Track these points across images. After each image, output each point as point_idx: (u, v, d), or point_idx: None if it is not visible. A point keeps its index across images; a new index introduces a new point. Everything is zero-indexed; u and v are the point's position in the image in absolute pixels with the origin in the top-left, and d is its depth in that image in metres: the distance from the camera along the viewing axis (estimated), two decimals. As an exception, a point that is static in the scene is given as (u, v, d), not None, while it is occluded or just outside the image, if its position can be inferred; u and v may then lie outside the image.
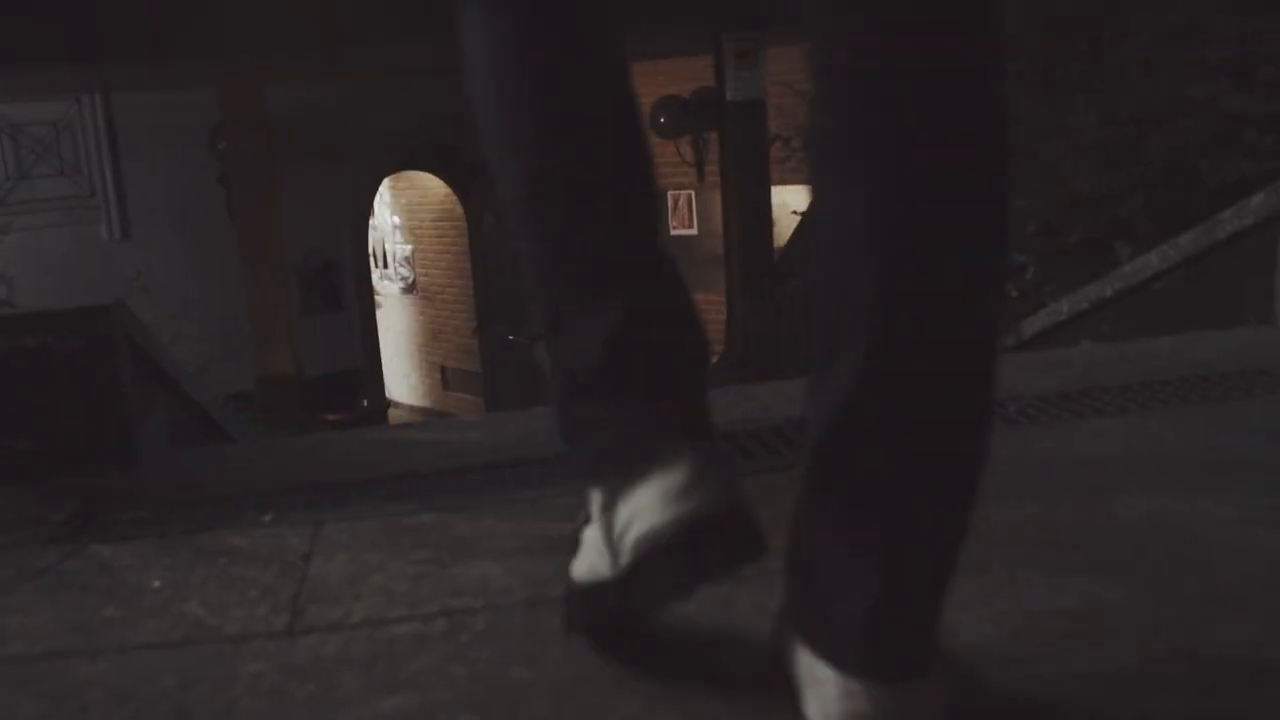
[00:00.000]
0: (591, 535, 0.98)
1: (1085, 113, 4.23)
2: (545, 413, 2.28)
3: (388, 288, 12.26)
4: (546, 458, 1.78)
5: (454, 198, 10.31)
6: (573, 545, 1.01)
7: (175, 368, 2.55)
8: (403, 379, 12.39)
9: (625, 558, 0.92)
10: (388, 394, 11.33)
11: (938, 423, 0.85)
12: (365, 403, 8.85)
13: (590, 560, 0.98)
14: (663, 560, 0.90)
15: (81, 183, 7.39)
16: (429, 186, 10.93)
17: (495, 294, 10.13)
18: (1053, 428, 1.91)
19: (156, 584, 1.25)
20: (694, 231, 9.47)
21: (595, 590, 0.97)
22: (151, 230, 7.62)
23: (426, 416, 12.01)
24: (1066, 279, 3.91)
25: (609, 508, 0.94)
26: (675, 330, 1.00)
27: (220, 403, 5.18)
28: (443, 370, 11.74)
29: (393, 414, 10.33)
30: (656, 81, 9.38)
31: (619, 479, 0.93)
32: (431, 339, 11.88)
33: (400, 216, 11.87)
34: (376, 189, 9.55)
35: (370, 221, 9.96)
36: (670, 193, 9.55)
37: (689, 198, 9.46)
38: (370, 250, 11.10)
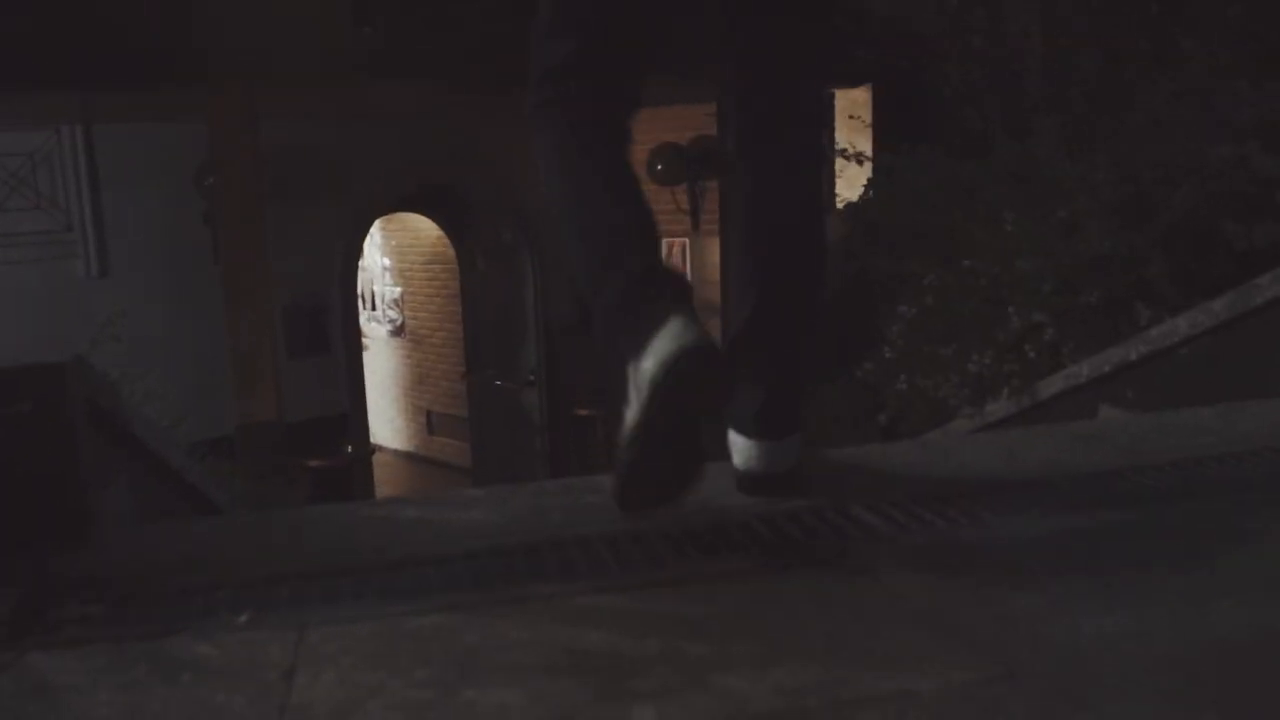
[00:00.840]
0: (630, 402, 1.44)
1: (1106, 169, 4.09)
2: (553, 488, 2.07)
3: (375, 330, 12.05)
4: (560, 541, 1.58)
5: (446, 240, 10.14)
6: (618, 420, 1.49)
7: (148, 428, 2.34)
8: (387, 422, 12.14)
9: (644, 392, 1.38)
10: (372, 438, 11.08)
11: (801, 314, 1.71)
12: (350, 448, 8.59)
13: (627, 419, 1.45)
14: (667, 376, 1.36)
15: (59, 217, 7.16)
16: (420, 228, 10.76)
17: (485, 338, 9.93)
18: (1117, 512, 1.73)
19: (105, 711, 1.03)
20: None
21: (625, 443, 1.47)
22: (131, 268, 7.39)
23: (411, 461, 11.76)
24: (1086, 340, 3.74)
25: (635, 369, 1.41)
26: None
27: (200, 453, 4.95)
28: (429, 415, 11.51)
29: (377, 458, 10.08)
30: (654, 128, 9.27)
31: (640, 351, 1.39)
32: (418, 382, 11.65)
33: (390, 258, 11.69)
34: (368, 229, 9.36)
35: (359, 262, 9.76)
36: (665, 240, 9.41)
37: (683, 246, 9.31)
38: (359, 292, 10.92)
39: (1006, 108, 4.11)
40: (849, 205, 6.54)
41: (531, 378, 9.42)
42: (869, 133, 8.11)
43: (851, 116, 7.29)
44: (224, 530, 1.83)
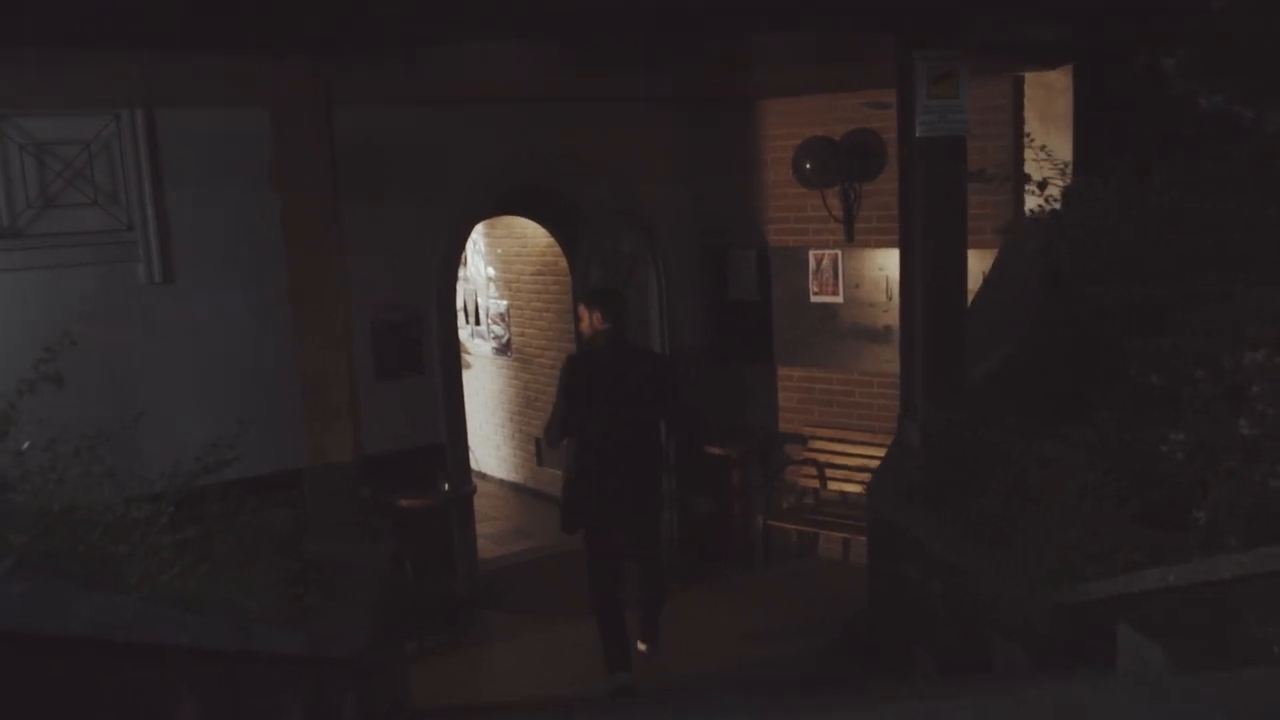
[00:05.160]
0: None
1: None
2: None
3: (479, 347, 11.02)
4: None
5: (557, 249, 9.02)
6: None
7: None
8: (492, 449, 11.09)
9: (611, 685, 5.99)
10: (475, 465, 10.02)
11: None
12: (447, 486, 7.51)
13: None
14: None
15: (118, 214, 6.22)
16: (529, 235, 9.68)
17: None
18: None
19: None
20: (839, 299, 7.98)
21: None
22: (198, 274, 6.42)
23: (519, 494, 10.68)
24: None
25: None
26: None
27: (246, 496, 3.89)
28: (537, 443, 10.40)
29: (481, 489, 9.00)
30: (798, 121, 7.99)
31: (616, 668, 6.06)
32: (526, 406, 10.56)
33: (496, 267, 10.63)
34: (468, 234, 8.27)
35: (461, 272, 8.70)
36: (813, 252, 8.10)
37: (834, 259, 7.99)
38: (461, 304, 9.87)
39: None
40: (1053, 213, 5.12)
41: (653, 407, 8.20)
42: (1067, 127, 6.69)
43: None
44: None
